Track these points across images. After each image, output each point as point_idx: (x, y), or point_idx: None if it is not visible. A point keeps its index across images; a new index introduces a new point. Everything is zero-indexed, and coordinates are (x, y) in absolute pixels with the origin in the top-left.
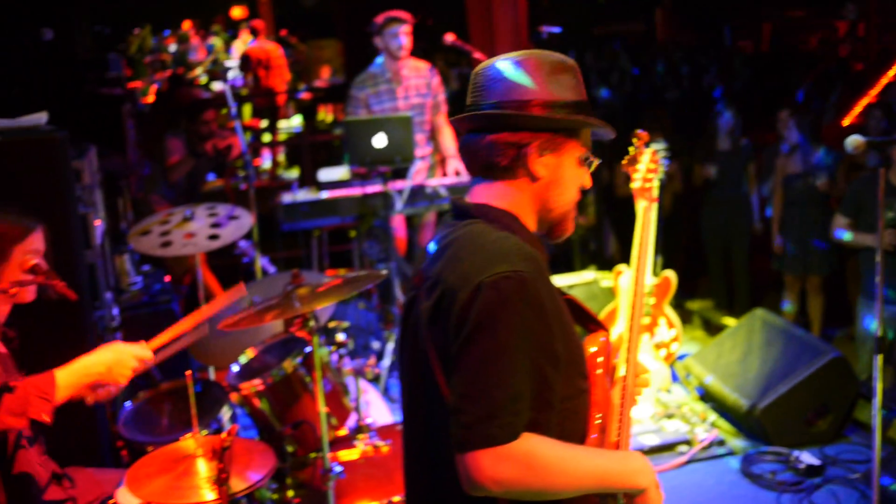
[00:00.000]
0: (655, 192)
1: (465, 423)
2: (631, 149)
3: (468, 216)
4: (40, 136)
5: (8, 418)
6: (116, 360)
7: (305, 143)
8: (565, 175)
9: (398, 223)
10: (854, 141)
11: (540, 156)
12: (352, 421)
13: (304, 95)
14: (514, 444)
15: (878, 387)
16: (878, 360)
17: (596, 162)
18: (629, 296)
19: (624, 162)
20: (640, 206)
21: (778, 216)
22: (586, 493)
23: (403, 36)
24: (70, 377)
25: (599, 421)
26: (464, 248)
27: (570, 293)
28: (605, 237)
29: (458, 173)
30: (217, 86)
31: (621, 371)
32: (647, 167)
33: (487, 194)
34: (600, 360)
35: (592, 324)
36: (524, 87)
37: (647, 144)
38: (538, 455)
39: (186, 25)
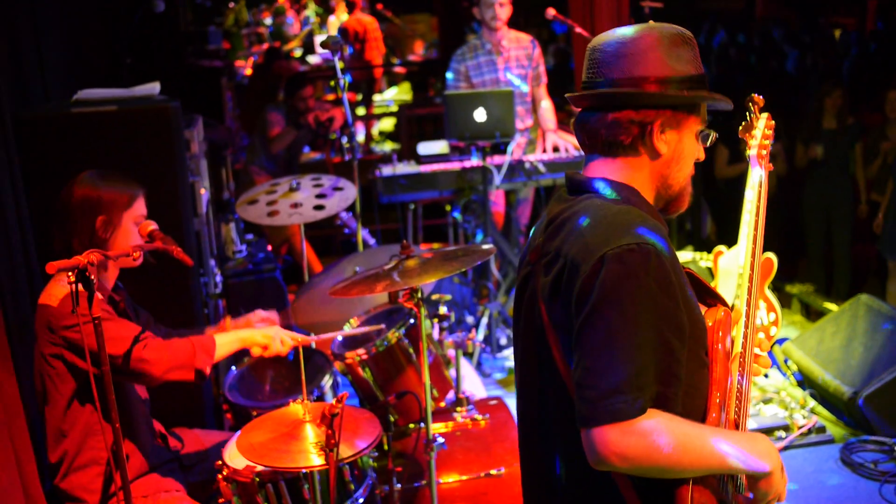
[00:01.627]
0: (769, 164)
1: (590, 398)
2: (747, 114)
3: (586, 190)
4: (155, 105)
5: (177, 372)
6: (274, 337)
7: (404, 117)
8: (685, 150)
9: (497, 198)
10: None
11: (662, 132)
12: (450, 394)
13: (398, 69)
14: (640, 419)
15: None
16: None
17: (714, 135)
18: (745, 270)
19: (740, 128)
20: (757, 174)
21: (886, 200)
22: (710, 473)
23: (499, 7)
24: (226, 345)
25: (719, 399)
26: (585, 221)
27: (687, 266)
28: (702, 217)
29: (556, 149)
30: (313, 59)
31: (738, 347)
32: (762, 133)
33: (606, 169)
34: (720, 334)
35: (711, 297)
36: (644, 62)
37: (762, 109)
38: (664, 432)
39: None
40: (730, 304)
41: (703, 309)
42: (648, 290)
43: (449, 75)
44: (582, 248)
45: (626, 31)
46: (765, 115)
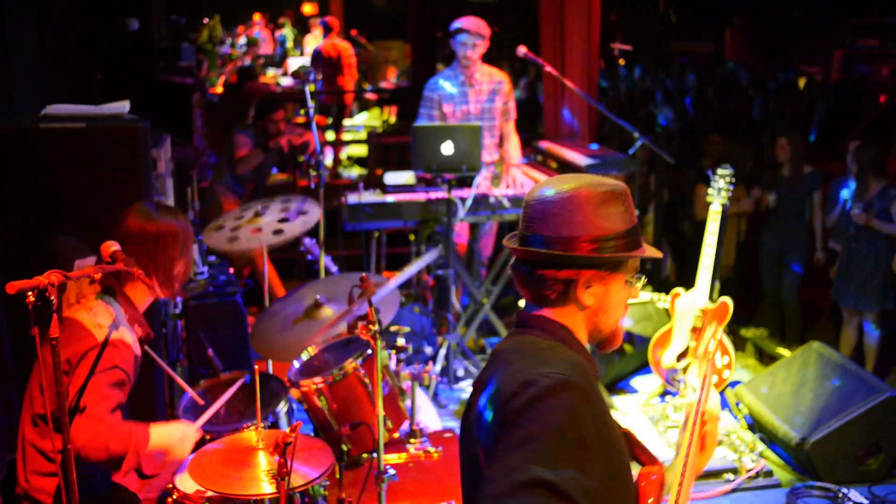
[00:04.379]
0: (712, 354)
1: (490, 493)
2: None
3: (526, 326)
4: (123, 125)
5: (95, 452)
6: (183, 437)
7: (371, 144)
8: (612, 301)
9: (460, 229)
10: None
11: (588, 287)
12: (405, 425)
13: (370, 96)
14: None
15: None
16: None
17: (642, 281)
18: (687, 425)
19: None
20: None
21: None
22: None
23: (469, 47)
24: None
25: None
26: (515, 353)
27: (626, 427)
28: (662, 258)
29: (515, 183)
30: (287, 81)
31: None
32: (708, 340)
33: (545, 309)
34: (651, 500)
35: (647, 457)
36: (572, 222)
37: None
38: None
39: (256, 18)
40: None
41: (635, 468)
42: (556, 415)
43: (424, 98)
44: (508, 375)
45: (559, 187)
46: (713, 324)
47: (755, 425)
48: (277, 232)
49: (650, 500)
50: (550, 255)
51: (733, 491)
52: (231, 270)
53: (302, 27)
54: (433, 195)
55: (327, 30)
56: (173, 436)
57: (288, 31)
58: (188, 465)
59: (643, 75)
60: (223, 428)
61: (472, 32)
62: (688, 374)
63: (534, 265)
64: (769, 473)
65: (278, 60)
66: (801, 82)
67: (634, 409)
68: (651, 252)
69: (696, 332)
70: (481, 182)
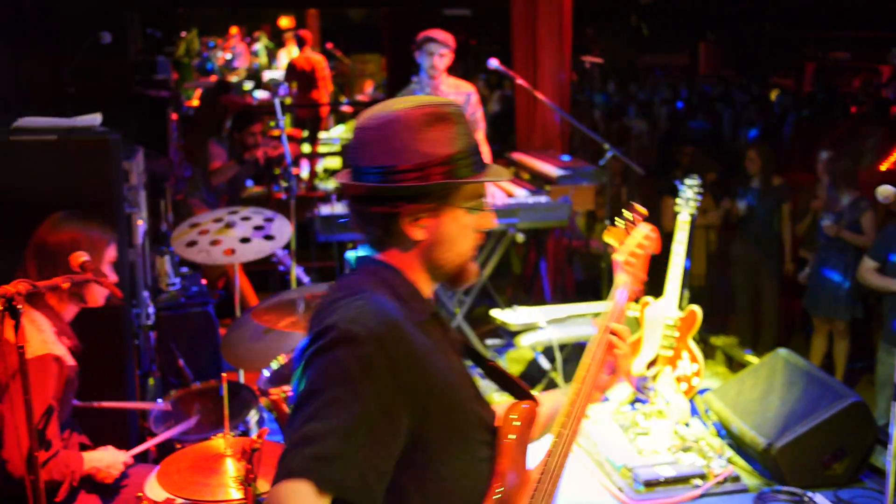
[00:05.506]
0: (641, 273)
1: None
2: (621, 221)
3: (354, 269)
4: (95, 137)
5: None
6: (112, 463)
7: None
8: (449, 233)
9: None
10: (885, 191)
11: (415, 221)
12: None
13: (346, 108)
14: (286, 483)
15: (894, 433)
16: (895, 406)
17: (487, 208)
18: (576, 382)
19: (605, 231)
20: (620, 279)
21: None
22: None
23: (437, 57)
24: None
25: (499, 495)
26: (326, 300)
27: (494, 360)
28: None
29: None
30: (261, 94)
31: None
32: (637, 243)
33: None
34: (512, 435)
35: (519, 392)
36: (390, 151)
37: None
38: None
39: (234, 31)
40: (535, 395)
41: (502, 402)
42: (339, 369)
43: None
44: (311, 325)
45: (379, 112)
46: (647, 227)
47: (724, 431)
48: (244, 240)
49: (510, 436)
50: (371, 188)
51: (702, 496)
52: (204, 282)
53: (278, 41)
54: None
55: (301, 43)
56: (103, 461)
57: (263, 45)
58: (157, 473)
59: (617, 88)
60: (195, 438)
61: (439, 42)
62: (657, 382)
63: (359, 201)
64: (737, 479)
65: (254, 74)
66: (774, 94)
67: (605, 417)
68: (493, 174)
69: (616, 234)
70: None
